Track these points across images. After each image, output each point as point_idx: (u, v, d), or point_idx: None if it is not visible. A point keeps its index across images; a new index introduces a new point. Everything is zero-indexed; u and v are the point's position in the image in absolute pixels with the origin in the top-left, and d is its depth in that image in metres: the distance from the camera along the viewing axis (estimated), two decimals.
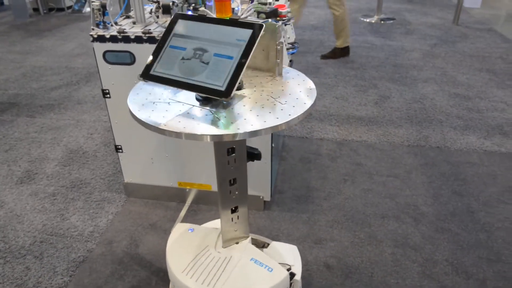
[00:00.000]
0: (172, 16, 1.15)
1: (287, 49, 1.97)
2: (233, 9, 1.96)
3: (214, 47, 1.10)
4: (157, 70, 1.11)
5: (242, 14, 1.82)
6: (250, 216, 1.99)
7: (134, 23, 1.81)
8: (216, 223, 1.55)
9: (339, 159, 2.41)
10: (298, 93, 1.15)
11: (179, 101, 1.13)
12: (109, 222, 1.97)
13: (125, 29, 1.71)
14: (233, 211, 1.34)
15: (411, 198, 2.10)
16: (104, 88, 1.82)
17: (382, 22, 5.19)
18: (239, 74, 1.05)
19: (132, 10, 2.05)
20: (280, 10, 1.89)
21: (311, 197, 2.11)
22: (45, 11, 5.92)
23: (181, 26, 1.15)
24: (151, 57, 1.13)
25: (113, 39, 1.70)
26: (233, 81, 1.05)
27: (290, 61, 2.07)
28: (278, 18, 1.87)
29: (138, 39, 1.68)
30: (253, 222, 1.96)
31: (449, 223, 1.94)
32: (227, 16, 1.23)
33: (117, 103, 1.85)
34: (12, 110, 3.08)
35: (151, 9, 1.93)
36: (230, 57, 1.08)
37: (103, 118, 2.93)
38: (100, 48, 1.73)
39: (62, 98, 3.25)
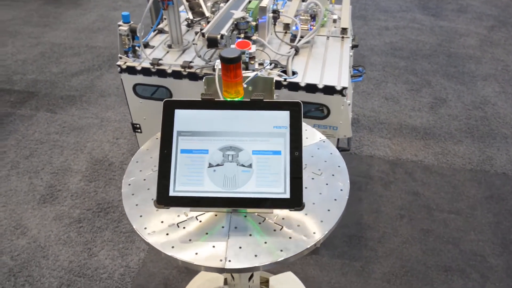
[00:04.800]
0: (163, 105, 0.84)
1: (351, 76, 1.65)
2: (287, 24, 1.63)
3: (247, 142, 0.82)
4: (179, 189, 0.81)
5: (304, 37, 1.50)
6: (297, 263, 1.78)
7: (169, 46, 1.52)
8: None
9: (393, 186, 2.15)
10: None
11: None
12: (141, 263, 1.79)
13: (160, 59, 1.42)
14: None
15: (476, 244, 1.85)
16: (134, 122, 1.57)
17: None
18: (300, 172, 0.79)
19: (165, 19, 1.74)
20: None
21: (364, 238, 1.88)
22: None
23: (184, 119, 0.84)
24: (155, 171, 0.84)
25: (146, 71, 1.42)
26: (296, 183, 0.80)
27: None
28: None
29: (176, 74, 1.40)
30: (300, 270, 1.75)
31: None
32: (238, 97, 0.93)
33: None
34: (31, 102, 2.86)
35: (187, 21, 1.63)
36: (277, 152, 0.81)
37: (128, 117, 2.68)
38: (129, 80, 1.45)
39: (84, 88, 3.00)
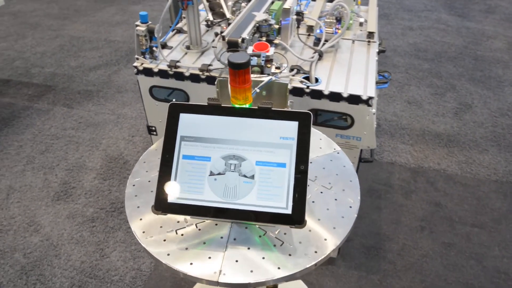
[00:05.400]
0: (168, 108, 0.82)
1: (376, 82, 1.58)
2: (311, 26, 1.57)
3: (251, 152, 0.79)
4: (178, 196, 0.80)
5: (329, 42, 1.42)
6: (311, 272, 1.73)
7: (188, 47, 1.47)
8: None
9: (414, 195, 2.07)
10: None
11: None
12: (153, 266, 1.76)
13: (178, 61, 1.37)
14: None
15: (500, 261, 1.77)
16: (150, 124, 1.53)
17: None
18: (304, 188, 0.76)
19: (184, 17, 1.69)
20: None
21: (382, 249, 1.81)
22: None
23: (189, 124, 0.82)
24: (157, 175, 0.81)
25: (163, 74, 1.37)
26: (300, 198, 0.76)
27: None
28: None
29: (194, 78, 1.35)
30: (314, 281, 1.70)
31: None
32: (246, 103, 0.89)
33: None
34: (48, 96, 2.85)
35: (207, 22, 1.58)
36: (282, 165, 0.78)
37: (144, 115, 2.66)
38: (146, 82, 1.41)
39: (101, 83, 2.98)
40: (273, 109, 0.81)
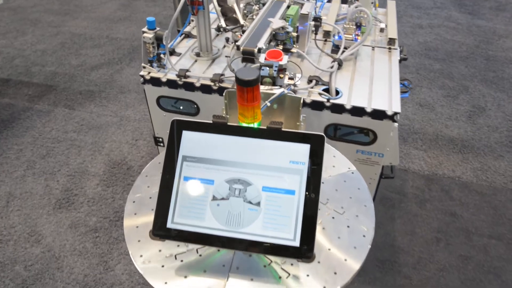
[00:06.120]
0: (171, 124, 0.76)
1: None
2: (327, 31, 1.48)
3: (258, 176, 0.73)
4: (177, 222, 0.74)
5: (348, 49, 1.32)
6: None
7: (197, 54, 1.38)
8: None
9: (429, 204, 2.00)
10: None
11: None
12: None
13: (187, 70, 1.29)
14: None
15: None
16: (157, 136, 1.45)
17: None
18: (315, 219, 0.70)
19: (192, 21, 1.61)
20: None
21: (397, 263, 1.75)
22: None
23: (192, 143, 0.76)
24: (155, 194, 0.76)
25: (171, 83, 1.29)
26: (309, 230, 0.70)
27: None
28: None
29: (205, 88, 1.26)
30: None
31: None
32: (254, 122, 0.82)
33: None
34: (49, 96, 2.77)
35: (218, 27, 1.49)
36: (290, 192, 0.72)
37: (148, 116, 2.58)
38: (153, 92, 1.33)
39: (104, 83, 2.90)
40: (283, 129, 0.74)
